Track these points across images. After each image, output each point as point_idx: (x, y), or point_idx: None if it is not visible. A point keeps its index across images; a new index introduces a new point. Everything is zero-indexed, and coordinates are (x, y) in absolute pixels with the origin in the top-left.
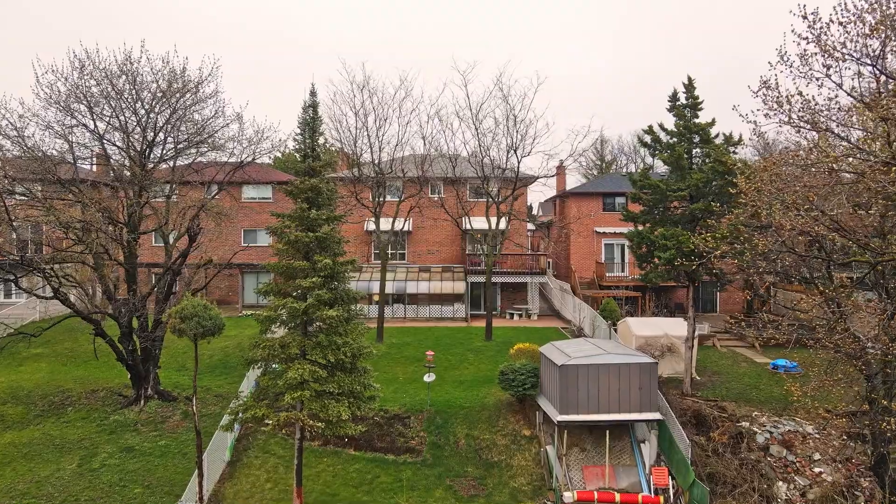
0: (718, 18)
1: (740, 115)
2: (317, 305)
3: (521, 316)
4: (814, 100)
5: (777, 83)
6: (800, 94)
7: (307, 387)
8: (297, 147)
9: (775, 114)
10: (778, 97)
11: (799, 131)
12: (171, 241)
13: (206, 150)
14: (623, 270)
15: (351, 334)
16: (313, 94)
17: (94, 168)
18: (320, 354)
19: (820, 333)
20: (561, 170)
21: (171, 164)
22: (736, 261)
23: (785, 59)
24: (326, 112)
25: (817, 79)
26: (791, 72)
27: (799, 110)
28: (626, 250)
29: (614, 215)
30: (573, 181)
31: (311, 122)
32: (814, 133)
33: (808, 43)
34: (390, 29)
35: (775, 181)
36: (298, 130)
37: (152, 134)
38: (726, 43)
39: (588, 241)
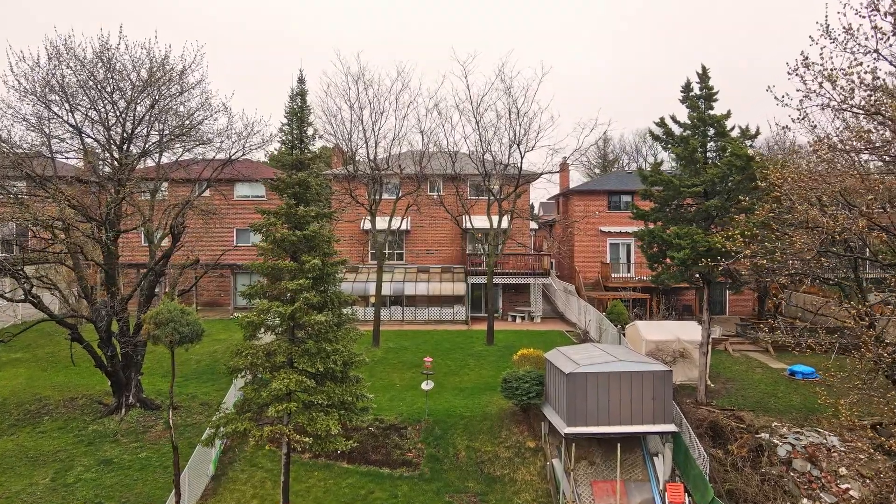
0: (718, 18)
1: (775, 97)
2: (304, 309)
3: (523, 318)
4: (874, 73)
5: (829, 57)
6: (853, 70)
7: (294, 398)
8: (283, 139)
9: (817, 96)
10: (827, 72)
11: (858, 117)
12: (156, 240)
13: (192, 144)
14: (629, 271)
15: (342, 341)
16: (301, 80)
17: (82, 164)
18: (308, 363)
19: (869, 344)
20: (565, 166)
21: (157, 159)
22: (765, 261)
23: (829, 32)
24: (320, 105)
25: (870, 52)
26: (835, 46)
27: (850, 91)
28: (633, 250)
29: (620, 214)
30: (576, 181)
31: (298, 112)
32: (869, 118)
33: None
34: (390, 29)
35: (810, 174)
36: (285, 121)
37: (131, 125)
38: (726, 43)
39: (593, 240)
